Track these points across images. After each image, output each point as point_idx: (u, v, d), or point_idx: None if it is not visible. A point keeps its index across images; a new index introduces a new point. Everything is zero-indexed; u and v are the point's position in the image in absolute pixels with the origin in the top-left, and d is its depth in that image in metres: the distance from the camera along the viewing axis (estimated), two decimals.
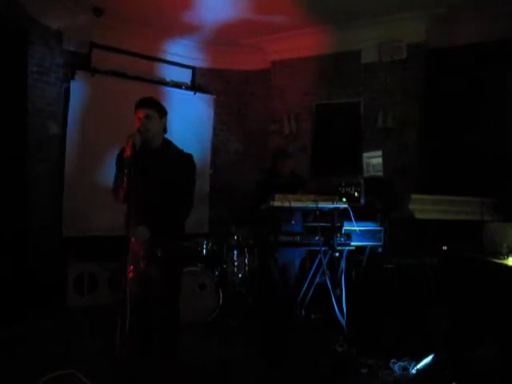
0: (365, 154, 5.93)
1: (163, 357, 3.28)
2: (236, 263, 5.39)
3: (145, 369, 3.25)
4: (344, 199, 4.18)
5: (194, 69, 7.08)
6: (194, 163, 3.38)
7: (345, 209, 4.16)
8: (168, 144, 3.35)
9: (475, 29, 5.46)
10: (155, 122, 3.20)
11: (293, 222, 4.32)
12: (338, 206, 4.13)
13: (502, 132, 5.34)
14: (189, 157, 3.36)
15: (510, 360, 3.33)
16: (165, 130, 3.34)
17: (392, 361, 3.65)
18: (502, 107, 5.36)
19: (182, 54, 6.88)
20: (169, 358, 3.30)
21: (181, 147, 3.42)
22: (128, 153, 2.92)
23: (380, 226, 4.50)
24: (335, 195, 4.25)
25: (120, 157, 3.16)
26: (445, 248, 4.58)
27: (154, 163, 3.19)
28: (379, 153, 5.82)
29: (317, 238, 4.13)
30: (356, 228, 4.27)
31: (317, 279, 4.32)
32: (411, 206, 4.79)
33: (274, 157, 4.90)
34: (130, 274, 3.14)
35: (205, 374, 3.64)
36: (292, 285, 4.45)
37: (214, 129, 7.19)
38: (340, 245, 4.19)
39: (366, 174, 5.82)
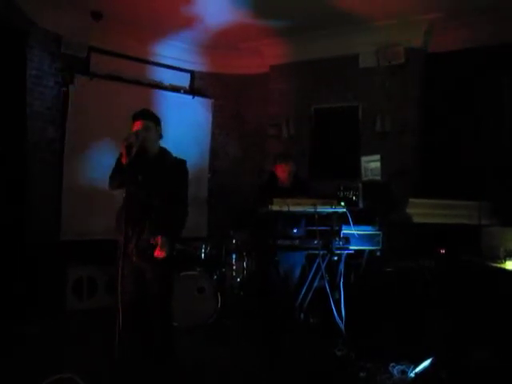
0: (363, 158, 5.95)
1: (161, 357, 3.30)
2: (235, 267, 5.39)
3: (143, 371, 3.26)
4: (342, 203, 4.19)
5: (192, 73, 7.10)
6: (187, 169, 3.49)
7: (343, 213, 4.17)
8: (164, 152, 3.48)
9: (473, 34, 5.49)
10: (153, 132, 3.35)
11: (295, 229, 4.34)
12: (336, 210, 4.14)
13: (500, 136, 5.36)
14: (182, 163, 3.48)
15: (509, 363, 3.34)
16: (160, 137, 3.47)
17: (391, 364, 3.65)
18: (499, 111, 5.38)
19: (180, 58, 6.89)
20: (166, 358, 3.32)
21: (176, 153, 3.53)
22: (125, 160, 3.01)
23: (378, 229, 4.52)
24: (334, 199, 4.27)
25: (120, 160, 3.23)
26: (443, 252, 4.59)
27: (152, 171, 3.30)
28: (377, 157, 5.84)
29: (315, 241, 4.14)
30: (354, 232, 4.29)
31: (316, 283, 4.33)
32: (409, 210, 4.81)
33: (273, 161, 4.89)
34: (126, 271, 3.20)
35: (203, 377, 3.64)
36: (292, 291, 4.44)
37: (213, 133, 7.20)
38: (338, 249, 4.21)
39: (364, 178, 5.85)
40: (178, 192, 3.37)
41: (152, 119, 3.38)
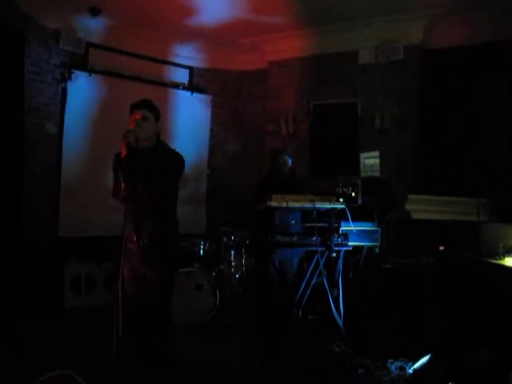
0: (362, 155, 5.94)
1: (159, 356, 3.30)
2: (233, 264, 5.38)
3: (141, 369, 3.26)
4: (341, 199, 4.18)
5: (191, 69, 7.08)
6: (180, 162, 3.30)
7: (342, 209, 4.17)
8: (159, 143, 3.32)
9: (472, 30, 5.49)
10: (150, 124, 3.18)
11: (293, 222, 4.33)
12: (335, 206, 4.13)
13: (498, 133, 5.36)
14: (175, 154, 3.31)
15: (506, 360, 3.34)
16: (158, 134, 3.31)
17: (389, 361, 3.65)
18: (498, 108, 5.38)
19: (179, 54, 6.88)
20: (164, 357, 3.32)
21: (174, 147, 3.40)
22: (124, 153, 2.94)
23: (377, 226, 4.51)
24: (332, 195, 4.26)
25: (117, 159, 3.16)
26: (442, 248, 4.59)
27: (146, 162, 3.14)
28: (376, 153, 5.84)
29: (314, 238, 4.13)
30: (353, 228, 4.28)
31: (314, 279, 4.33)
32: (408, 207, 4.81)
33: (271, 156, 4.91)
34: (126, 274, 3.17)
35: (201, 374, 3.64)
36: (290, 284, 4.44)
37: (212, 129, 7.18)
38: (337, 245, 4.20)
39: (363, 175, 5.84)
40: (165, 184, 3.22)
41: (150, 109, 3.20)
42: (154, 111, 3.22)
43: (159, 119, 3.28)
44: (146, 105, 3.20)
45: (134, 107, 3.18)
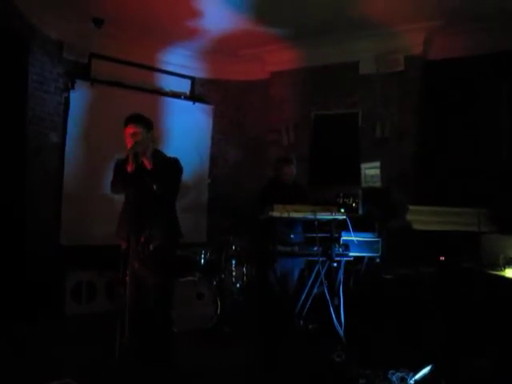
0: (363, 165, 5.96)
1: (159, 361, 3.33)
2: (234, 273, 5.38)
3: (143, 375, 3.27)
4: (342, 210, 4.20)
5: (193, 79, 7.11)
6: (177, 167, 3.53)
7: (343, 219, 4.18)
8: (156, 153, 3.51)
9: (472, 41, 5.52)
10: (143, 136, 3.36)
11: (292, 236, 4.35)
12: (336, 216, 4.15)
13: (498, 143, 5.38)
14: (173, 159, 3.54)
15: (507, 370, 3.34)
16: (154, 142, 3.52)
17: (390, 371, 3.64)
18: (497, 118, 5.41)
19: (181, 64, 6.91)
20: (165, 363, 3.34)
21: (174, 156, 3.58)
22: (130, 168, 3.08)
23: (378, 236, 4.52)
24: (333, 205, 4.28)
25: (119, 167, 3.29)
26: (442, 258, 4.59)
27: (144, 173, 3.31)
28: (377, 164, 5.86)
29: (315, 248, 4.15)
30: (354, 238, 4.29)
31: (315, 289, 4.33)
32: (409, 217, 4.82)
33: (275, 164, 4.92)
34: (127, 278, 3.25)
35: (201, 378, 3.64)
36: (291, 294, 4.45)
37: (213, 138, 7.20)
38: (338, 255, 4.21)
39: (363, 185, 5.86)
40: (165, 189, 3.39)
41: (142, 124, 3.41)
42: (142, 124, 3.41)
43: (152, 128, 3.49)
44: (133, 120, 3.39)
45: (124, 123, 3.39)
